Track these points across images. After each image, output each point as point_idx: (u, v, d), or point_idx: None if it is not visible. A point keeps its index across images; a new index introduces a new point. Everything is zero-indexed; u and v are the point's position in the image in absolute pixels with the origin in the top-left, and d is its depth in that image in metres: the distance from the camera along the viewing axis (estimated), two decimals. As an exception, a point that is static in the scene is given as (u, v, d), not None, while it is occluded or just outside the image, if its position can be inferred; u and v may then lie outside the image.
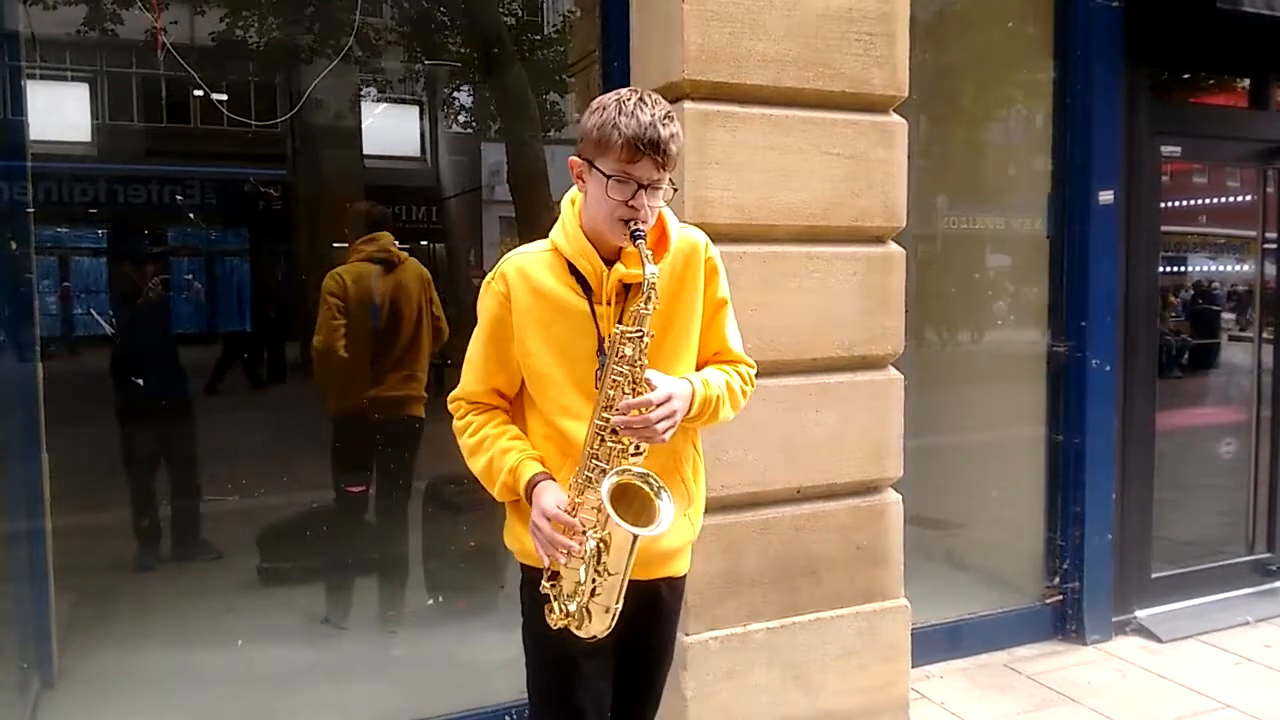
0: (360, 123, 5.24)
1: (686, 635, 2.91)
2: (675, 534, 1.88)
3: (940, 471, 4.50)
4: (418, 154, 6.23)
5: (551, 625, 1.81)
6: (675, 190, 1.84)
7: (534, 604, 1.95)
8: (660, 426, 1.72)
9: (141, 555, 4.18)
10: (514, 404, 1.97)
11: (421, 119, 6.07)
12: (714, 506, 2.97)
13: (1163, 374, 4.78)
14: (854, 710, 3.19)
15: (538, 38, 5.40)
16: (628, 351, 1.72)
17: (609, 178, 1.72)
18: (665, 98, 2.89)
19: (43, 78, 4.35)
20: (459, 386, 1.96)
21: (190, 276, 5.05)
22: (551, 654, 1.93)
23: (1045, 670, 3.93)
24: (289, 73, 4.88)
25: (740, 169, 2.92)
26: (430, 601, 4.01)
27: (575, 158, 1.81)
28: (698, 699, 2.94)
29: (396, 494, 4.03)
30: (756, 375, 2.06)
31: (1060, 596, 4.23)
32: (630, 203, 1.72)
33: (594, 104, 1.79)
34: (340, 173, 5.16)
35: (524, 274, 1.85)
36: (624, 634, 1.86)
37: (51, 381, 3.45)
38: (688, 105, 2.86)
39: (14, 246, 3.35)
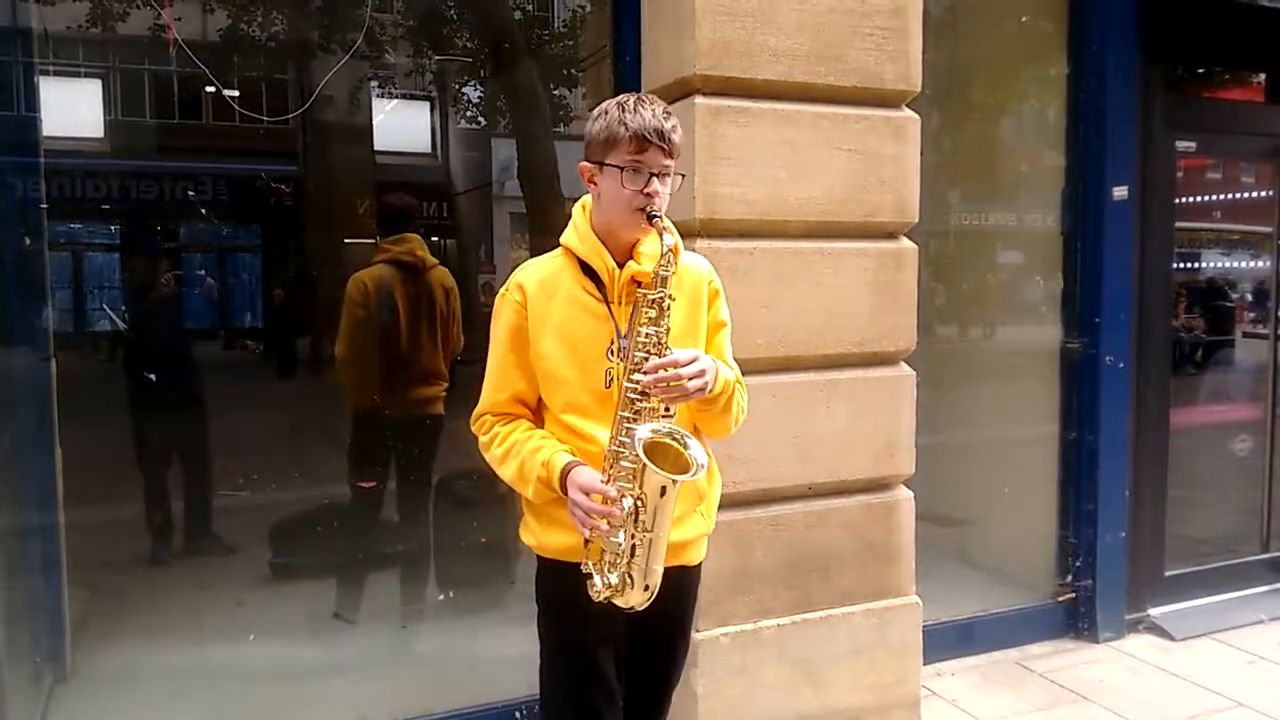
0: (371, 119, 5.24)
1: (697, 632, 2.90)
2: (689, 526, 1.97)
3: (952, 468, 4.48)
4: (428, 150, 6.23)
5: (594, 599, 1.84)
6: (683, 178, 1.94)
7: (550, 599, 2.00)
8: (691, 385, 1.78)
9: (154, 550, 4.19)
10: (536, 416, 2.01)
11: (432, 115, 6.06)
12: (725, 503, 2.94)
13: (1177, 371, 4.74)
14: (865, 707, 3.18)
15: (548, 33, 5.39)
16: (652, 314, 1.81)
17: (622, 169, 1.84)
18: (676, 93, 2.95)
19: (55, 74, 4.36)
20: (480, 403, 2.01)
21: (203, 272, 5.07)
22: (566, 648, 2.00)
23: (1057, 668, 3.92)
24: (300, 69, 4.89)
25: (751, 164, 2.91)
26: (441, 597, 4.02)
27: (585, 163, 1.93)
28: (708, 695, 2.93)
29: (415, 493, 4.03)
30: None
31: (1073, 594, 4.21)
32: (645, 190, 1.83)
33: (595, 111, 1.92)
34: (351, 169, 5.16)
35: (538, 280, 1.94)
36: (635, 619, 1.89)
37: (64, 376, 3.46)
38: (699, 100, 2.85)
39: (27, 242, 3.37)
